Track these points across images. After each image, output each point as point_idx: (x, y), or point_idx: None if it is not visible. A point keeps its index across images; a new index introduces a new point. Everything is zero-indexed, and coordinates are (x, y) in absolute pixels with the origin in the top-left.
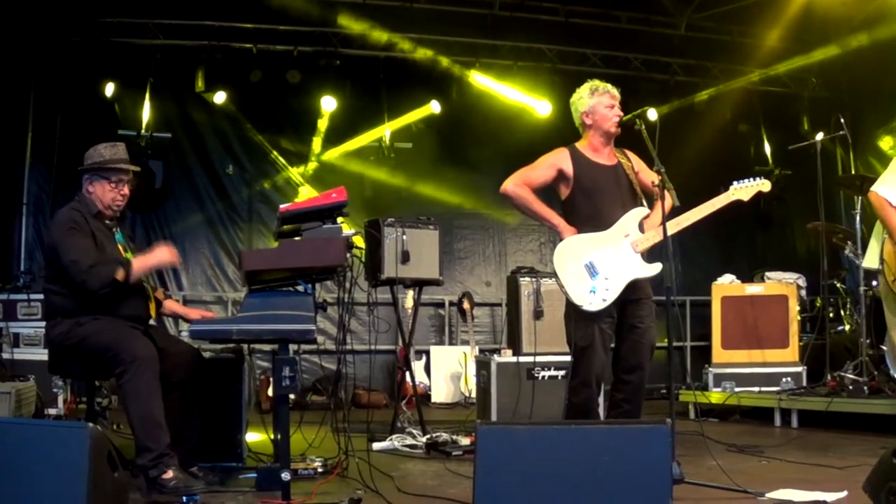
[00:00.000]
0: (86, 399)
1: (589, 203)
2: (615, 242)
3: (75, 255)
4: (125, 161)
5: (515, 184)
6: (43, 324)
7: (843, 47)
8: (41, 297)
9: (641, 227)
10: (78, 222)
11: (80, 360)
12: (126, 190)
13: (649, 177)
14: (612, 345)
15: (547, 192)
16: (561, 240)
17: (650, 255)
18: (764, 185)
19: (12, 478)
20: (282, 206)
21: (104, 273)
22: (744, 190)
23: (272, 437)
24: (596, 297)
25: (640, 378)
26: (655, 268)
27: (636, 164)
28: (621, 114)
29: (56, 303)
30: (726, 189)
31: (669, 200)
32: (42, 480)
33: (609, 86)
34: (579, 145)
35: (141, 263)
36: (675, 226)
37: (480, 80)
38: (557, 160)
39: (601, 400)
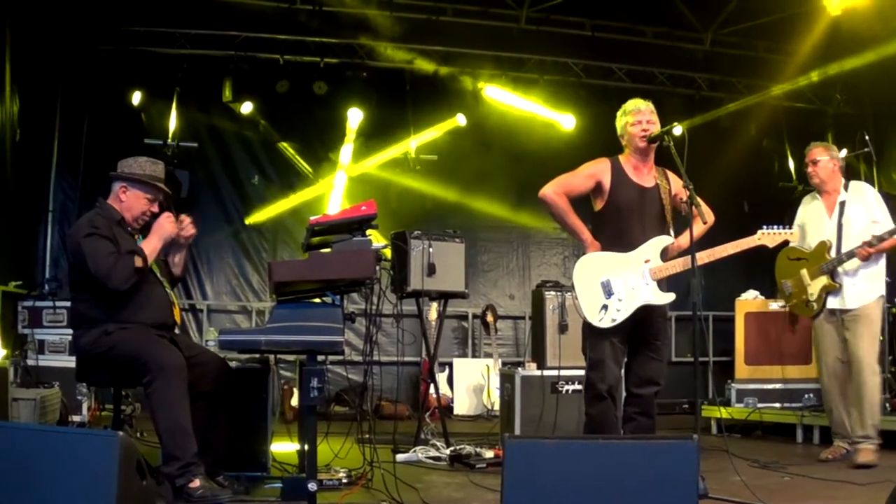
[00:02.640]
0: (110, 406)
1: (618, 221)
2: (634, 266)
3: (96, 258)
4: (163, 181)
5: (555, 191)
6: (68, 331)
7: (866, 60)
8: (66, 304)
9: (664, 255)
10: (98, 226)
11: (108, 369)
12: (156, 207)
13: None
14: (626, 359)
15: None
16: (584, 254)
17: (672, 276)
18: (792, 237)
19: (41, 485)
20: (312, 218)
21: (124, 266)
22: (770, 236)
23: (300, 447)
24: (606, 315)
25: (652, 392)
26: (669, 297)
27: (674, 186)
28: (647, 129)
29: (82, 311)
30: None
31: (702, 225)
32: (71, 488)
33: (637, 102)
34: (622, 158)
35: (150, 246)
36: (697, 260)
37: (506, 94)
38: (597, 171)
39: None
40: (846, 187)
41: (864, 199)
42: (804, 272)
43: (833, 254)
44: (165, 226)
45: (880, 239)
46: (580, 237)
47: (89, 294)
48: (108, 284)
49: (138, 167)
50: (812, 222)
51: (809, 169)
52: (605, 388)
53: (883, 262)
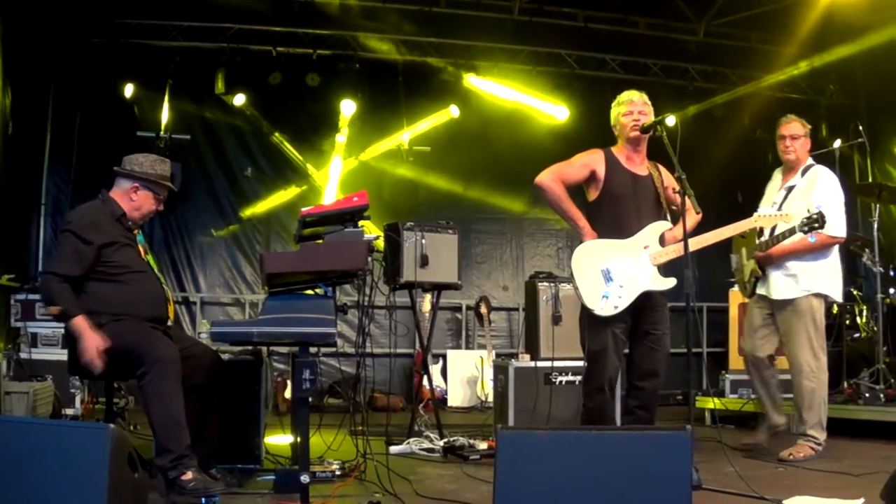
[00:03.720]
0: (103, 399)
1: (614, 209)
2: (634, 252)
3: (53, 255)
4: (170, 180)
5: (551, 179)
6: (61, 324)
7: (858, 48)
8: None
9: (662, 241)
10: (85, 226)
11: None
12: (162, 206)
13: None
14: (626, 350)
15: (572, 190)
16: (581, 242)
17: (667, 265)
18: (787, 219)
19: (32, 478)
20: (304, 210)
21: (52, 292)
22: (766, 218)
23: (293, 439)
24: (608, 302)
25: (653, 384)
26: (670, 282)
27: (666, 179)
28: (639, 119)
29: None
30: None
31: (695, 216)
32: (62, 481)
33: (630, 93)
34: (615, 149)
35: (81, 328)
36: (695, 244)
37: (499, 85)
38: (591, 161)
39: (618, 406)
40: (804, 171)
41: (811, 192)
42: (743, 251)
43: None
44: (92, 351)
45: (767, 245)
46: (577, 224)
47: (83, 285)
48: (40, 279)
49: (150, 167)
50: (766, 199)
51: (788, 143)
52: (606, 380)
53: (832, 257)
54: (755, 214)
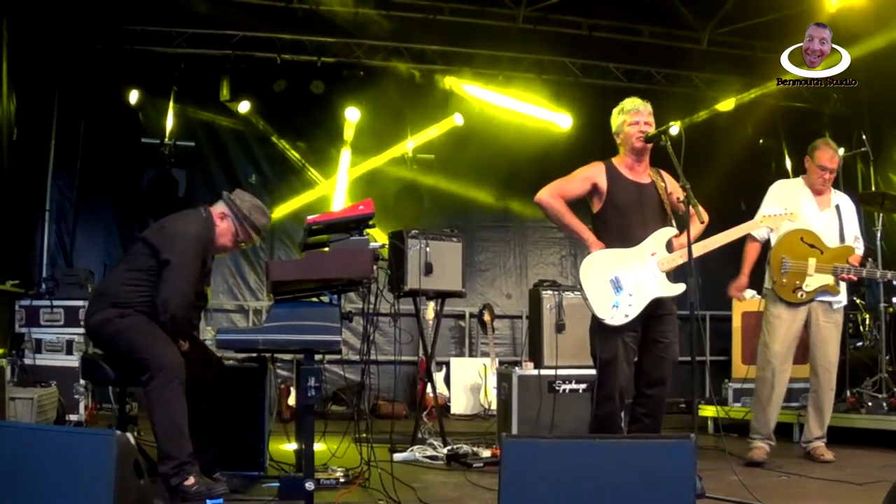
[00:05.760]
0: (107, 405)
1: (619, 219)
2: (641, 260)
3: (182, 285)
4: (260, 234)
5: (550, 195)
6: (65, 330)
7: (859, 53)
8: (64, 303)
9: (669, 247)
10: (206, 247)
11: (110, 354)
12: (237, 248)
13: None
14: (636, 359)
15: (575, 203)
16: (589, 253)
17: (675, 271)
18: (792, 217)
19: (37, 485)
20: (309, 217)
21: (181, 329)
22: (772, 219)
23: (297, 446)
24: (618, 311)
25: (661, 393)
26: (679, 288)
27: (670, 185)
28: (645, 129)
29: (113, 291)
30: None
31: (699, 225)
32: (68, 488)
33: (636, 102)
34: (616, 160)
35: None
36: (702, 248)
37: (503, 93)
38: (592, 174)
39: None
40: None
41: (851, 210)
42: (812, 261)
43: (850, 262)
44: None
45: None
46: (582, 237)
47: (138, 280)
48: (160, 311)
49: (248, 208)
50: (798, 210)
51: (827, 177)
52: (616, 388)
53: None
54: (760, 214)
